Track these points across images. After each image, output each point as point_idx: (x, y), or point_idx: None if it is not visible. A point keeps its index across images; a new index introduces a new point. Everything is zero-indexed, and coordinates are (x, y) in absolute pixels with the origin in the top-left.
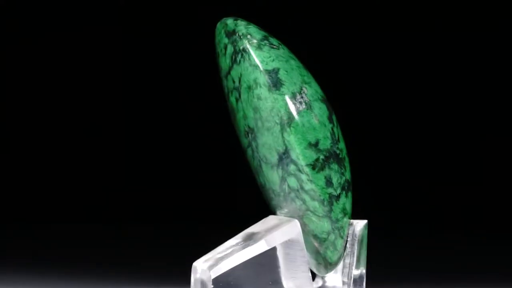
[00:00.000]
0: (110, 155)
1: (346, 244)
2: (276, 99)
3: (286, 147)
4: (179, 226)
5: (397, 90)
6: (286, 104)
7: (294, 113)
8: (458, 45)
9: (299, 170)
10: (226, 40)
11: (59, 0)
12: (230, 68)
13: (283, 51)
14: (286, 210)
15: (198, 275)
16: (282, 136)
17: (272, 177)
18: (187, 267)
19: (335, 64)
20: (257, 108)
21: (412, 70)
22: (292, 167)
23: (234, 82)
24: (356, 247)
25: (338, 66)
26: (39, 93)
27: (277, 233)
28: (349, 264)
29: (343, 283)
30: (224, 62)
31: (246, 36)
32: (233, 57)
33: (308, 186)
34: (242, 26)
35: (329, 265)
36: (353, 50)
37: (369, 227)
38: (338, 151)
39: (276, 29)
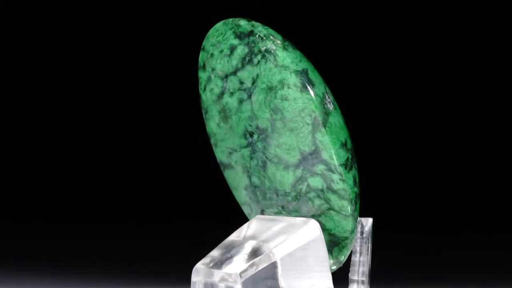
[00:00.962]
0: (110, 155)
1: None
2: (310, 99)
3: (316, 148)
4: (179, 226)
5: (396, 90)
6: (320, 104)
7: (327, 113)
8: (460, 45)
9: (331, 170)
10: (235, 41)
11: (59, 0)
12: (237, 69)
13: (300, 52)
14: (288, 210)
15: (201, 278)
16: (313, 137)
17: (282, 177)
18: (187, 267)
19: (334, 63)
20: (278, 109)
21: (413, 69)
22: (320, 167)
23: (242, 83)
24: (369, 244)
25: (337, 65)
26: (39, 93)
27: (297, 235)
28: (361, 261)
29: (351, 281)
30: (227, 63)
31: (269, 37)
32: (247, 58)
33: (338, 185)
34: (260, 27)
35: (338, 264)
36: (351, 48)
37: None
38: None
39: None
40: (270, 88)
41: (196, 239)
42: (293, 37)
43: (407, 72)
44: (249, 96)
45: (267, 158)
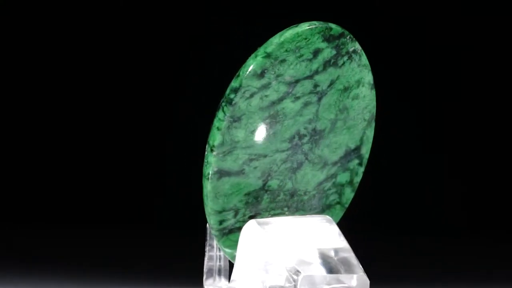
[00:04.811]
0: (110, 155)
1: None
2: (374, 95)
3: (362, 143)
4: (179, 226)
5: (396, 90)
6: None
7: None
8: (460, 45)
9: (361, 164)
10: (322, 45)
11: (59, 0)
12: (316, 73)
13: None
14: (292, 210)
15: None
16: (364, 133)
17: (313, 177)
18: (187, 267)
19: None
20: (346, 108)
21: (413, 69)
22: (354, 162)
23: (316, 86)
24: None
25: None
26: (38, 93)
27: (336, 230)
28: (218, 256)
29: (209, 275)
30: (304, 67)
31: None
32: (331, 60)
33: (359, 178)
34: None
35: None
36: None
37: (370, 227)
38: None
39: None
40: (345, 88)
41: (196, 239)
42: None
43: (407, 72)
44: (319, 99)
45: (307, 159)
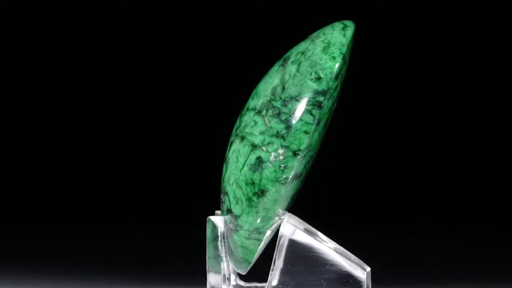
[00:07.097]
0: (110, 156)
1: None
2: None
3: None
4: (178, 226)
5: (396, 90)
6: None
7: None
8: (460, 45)
9: None
10: (351, 43)
11: (61, 1)
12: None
13: None
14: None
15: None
16: None
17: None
18: (187, 267)
19: None
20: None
21: (413, 69)
22: None
23: (338, 85)
24: None
25: None
26: (38, 94)
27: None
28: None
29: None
30: (345, 68)
31: None
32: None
33: None
34: None
35: None
36: None
37: (371, 227)
38: None
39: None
40: None
41: (196, 239)
42: (293, 38)
43: (407, 72)
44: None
45: (311, 157)
